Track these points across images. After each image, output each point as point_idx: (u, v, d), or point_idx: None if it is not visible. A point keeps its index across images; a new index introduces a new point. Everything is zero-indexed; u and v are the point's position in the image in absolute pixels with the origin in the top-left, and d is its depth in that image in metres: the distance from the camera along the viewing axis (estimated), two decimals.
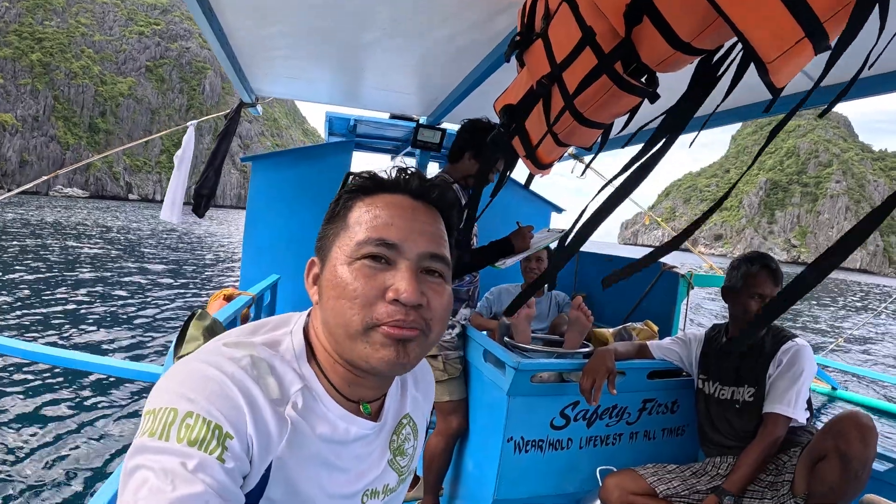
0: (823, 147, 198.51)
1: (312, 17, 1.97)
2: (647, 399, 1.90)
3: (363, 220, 0.64)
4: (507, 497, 1.76)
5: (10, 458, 3.17)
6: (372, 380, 0.68)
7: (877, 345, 12.27)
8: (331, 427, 0.65)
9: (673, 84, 1.10)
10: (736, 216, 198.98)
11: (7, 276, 9.37)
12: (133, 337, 6.36)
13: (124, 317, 7.34)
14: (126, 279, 10.48)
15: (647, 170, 0.91)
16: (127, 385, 4.47)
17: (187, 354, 0.63)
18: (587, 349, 2.04)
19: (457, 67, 2.35)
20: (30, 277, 9.58)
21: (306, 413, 0.62)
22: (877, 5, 0.61)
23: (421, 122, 3.34)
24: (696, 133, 1.37)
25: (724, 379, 1.79)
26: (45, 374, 4.54)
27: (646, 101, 1.02)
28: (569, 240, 1.04)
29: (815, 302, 22.89)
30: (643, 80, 1.00)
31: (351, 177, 0.69)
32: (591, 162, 1.75)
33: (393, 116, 3.56)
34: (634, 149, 1.06)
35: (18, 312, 6.93)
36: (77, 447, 3.40)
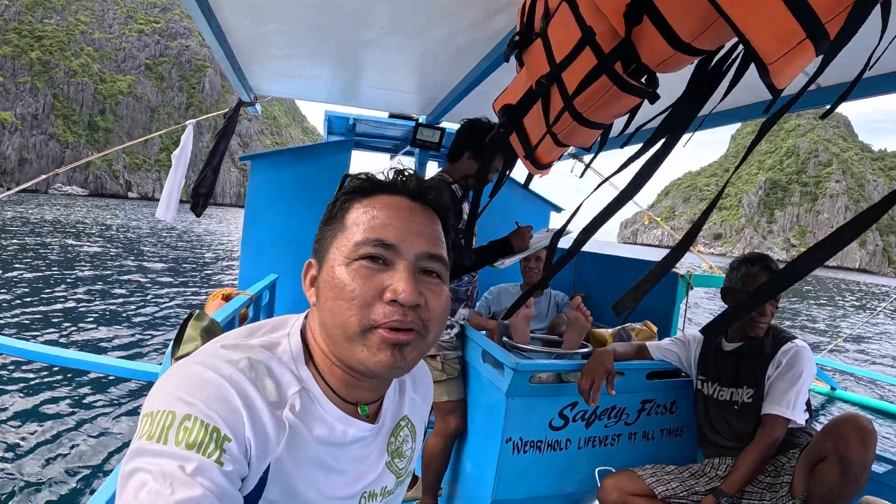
0: (823, 146, 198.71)
1: (311, 15, 1.96)
2: (645, 400, 1.90)
3: (361, 221, 0.64)
4: (506, 497, 1.76)
5: (9, 455, 3.17)
6: (369, 382, 0.67)
7: (876, 344, 12.28)
8: (328, 429, 0.64)
9: (673, 84, 1.09)
10: (735, 215, 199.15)
11: (6, 275, 9.35)
12: (132, 335, 6.36)
13: (123, 315, 7.33)
14: (125, 277, 10.46)
15: (648, 173, 0.91)
16: (125, 383, 4.46)
17: (185, 355, 0.63)
18: (586, 350, 2.04)
19: (456, 66, 2.35)
20: (29, 276, 9.56)
21: (304, 415, 0.62)
22: (878, 5, 0.60)
23: (420, 121, 3.34)
24: (692, 133, 1.36)
25: (723, 380, 1.79)
26: (43, 373, 4.53)
27: (646, 101, 1.01)
28: (570, 244, 1.04)
29: (813, 302, 22.91)
30: (643, 80, 1.00)
31: (348, 178, 0.69)
32: (590, 162, 1.75)
33: (392, 115, 3.54)
34: (635, 149, 1.06)
35: (17, 311, 6.92)
36: (75, 445, 3.40)
